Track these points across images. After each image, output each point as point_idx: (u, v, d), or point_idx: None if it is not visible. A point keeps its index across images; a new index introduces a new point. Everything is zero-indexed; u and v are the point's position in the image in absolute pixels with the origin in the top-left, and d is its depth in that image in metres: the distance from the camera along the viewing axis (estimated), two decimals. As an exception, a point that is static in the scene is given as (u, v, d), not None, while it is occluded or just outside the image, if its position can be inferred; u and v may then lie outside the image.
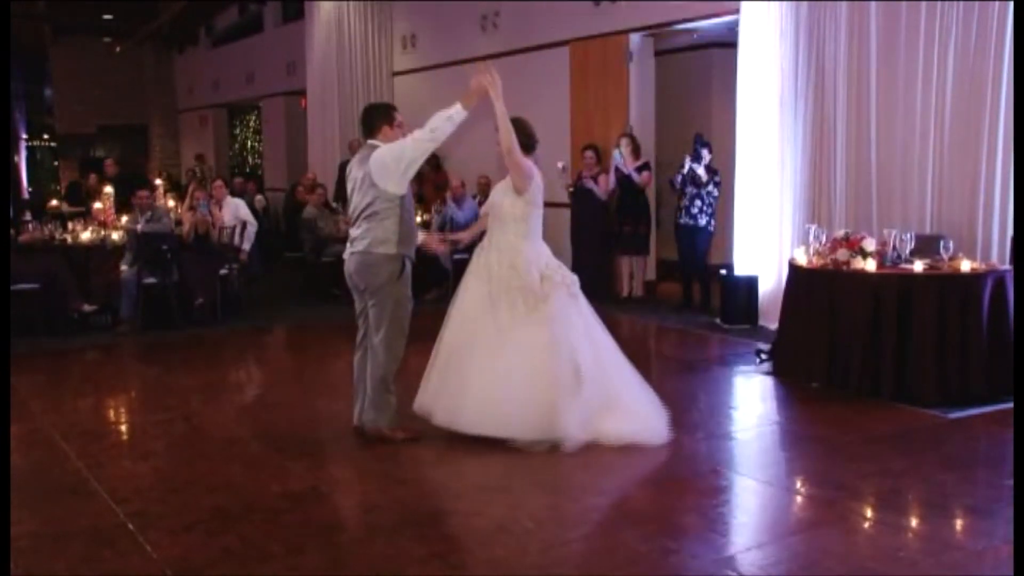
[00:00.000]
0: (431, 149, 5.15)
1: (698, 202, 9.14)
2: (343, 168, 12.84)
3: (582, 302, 5.38)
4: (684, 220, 9.26)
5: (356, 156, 5.43)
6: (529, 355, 5.09)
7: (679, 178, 9.19)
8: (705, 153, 9.07)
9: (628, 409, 5.25)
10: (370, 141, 5.30)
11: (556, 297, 5.22)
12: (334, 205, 11.89)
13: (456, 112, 5.08)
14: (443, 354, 5.35)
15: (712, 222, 9.23)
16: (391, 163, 5.12)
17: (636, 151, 9.84)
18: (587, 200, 10.08)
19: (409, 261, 5.25)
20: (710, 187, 9.09)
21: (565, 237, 10.68)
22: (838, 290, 6.31)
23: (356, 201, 5.28)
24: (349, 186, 5.39)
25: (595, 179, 10.00)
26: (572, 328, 5.22)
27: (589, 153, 10.06)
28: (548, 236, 11.62)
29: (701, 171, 9.02)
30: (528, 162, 5.28)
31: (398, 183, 5.14)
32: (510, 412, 5.06)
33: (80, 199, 14.34)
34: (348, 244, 5.36)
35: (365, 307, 5.34)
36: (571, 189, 10.16)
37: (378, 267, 5.17)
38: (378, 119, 5.32)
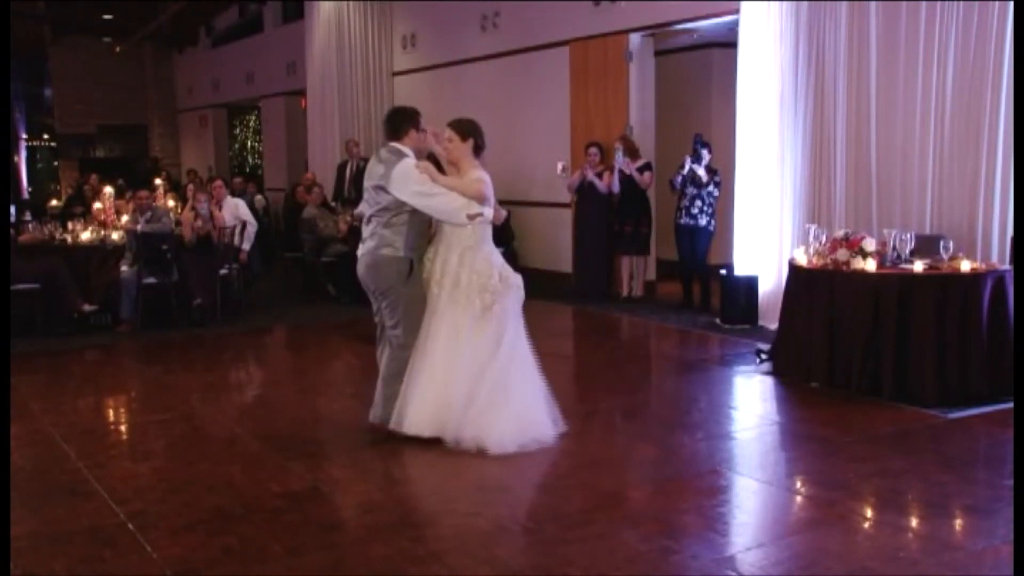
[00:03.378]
0: (418, 204, 5.16)
1: (698, 202, 9.15)
2: (342, 168, 12.92)
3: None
4: (684, 220, 9.26)
5: (378, 155, 5.40)
6: (480, 356, 5.11)
7: (679, 178, 9.19)
8: (705, 153, 9.08)
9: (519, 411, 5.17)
10: (392, 144, 5.33)
11: (508, 297, 5.22)
12: (333, 205, 11.89)
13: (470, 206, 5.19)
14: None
15: (712, 222, 9.24)
16: (400, 182, 5.15)
17: (634, 152, 9.85)
18: (591, 197, 10.09)
19: (418, 261, 5.26)
20: (710, 187, 9.10)
21: (567, 237, 10.67)
22: (838, 290, 6.31)
23: (370, 200, 5.32)
24: (366, 182, 5.39)
25: (599, 176, 10.01)
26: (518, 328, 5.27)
27: (593, 150, 10.05)
28: (550, 236, 11.71)
29: (701, 171, 9.03)
30: (482, 173, 5.28)
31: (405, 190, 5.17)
32: (450, 414, 5.08)
33: (84, 200, 14.36)
34: (360, 243, 5.41)
35: (380, 307, 5.37)
36: (580, 176, 10.14)
37: (385, 268, 5.21)
38: (405, 122, 5.37)
